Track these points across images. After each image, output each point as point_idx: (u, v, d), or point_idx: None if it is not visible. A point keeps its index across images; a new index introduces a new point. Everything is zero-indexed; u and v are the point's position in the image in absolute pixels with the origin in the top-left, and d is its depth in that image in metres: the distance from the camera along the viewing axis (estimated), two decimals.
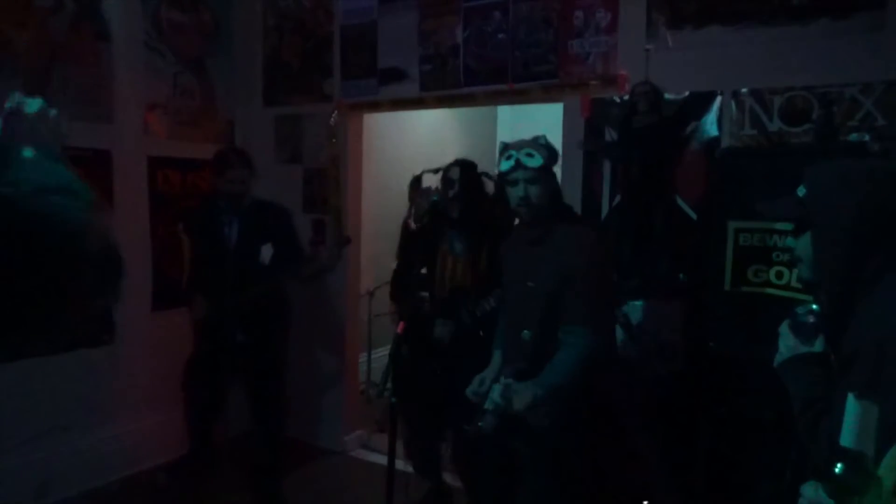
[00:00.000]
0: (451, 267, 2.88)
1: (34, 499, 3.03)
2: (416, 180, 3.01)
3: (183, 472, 3.30)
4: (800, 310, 1.39)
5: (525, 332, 2.11)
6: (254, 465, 3.26)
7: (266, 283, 3.07)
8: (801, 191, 1.34)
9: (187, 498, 3.24)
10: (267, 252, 3.09)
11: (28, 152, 0.87)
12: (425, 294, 2.85)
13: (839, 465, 1.07)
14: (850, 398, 1.07)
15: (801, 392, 1.31)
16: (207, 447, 3.30)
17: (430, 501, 3.14)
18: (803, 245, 1.34)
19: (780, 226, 2.18)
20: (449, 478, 3.23)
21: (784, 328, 1.41)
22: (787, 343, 1.39)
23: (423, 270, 2.92)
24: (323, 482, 3.49)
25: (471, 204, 2.82)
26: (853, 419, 1.06)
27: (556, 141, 3.06)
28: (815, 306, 1.38)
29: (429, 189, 2.90)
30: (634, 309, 2.85)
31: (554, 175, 2.22)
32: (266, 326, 3.16)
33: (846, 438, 1.07)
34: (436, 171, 2.95)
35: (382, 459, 3.51)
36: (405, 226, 3.06)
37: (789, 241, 1.41)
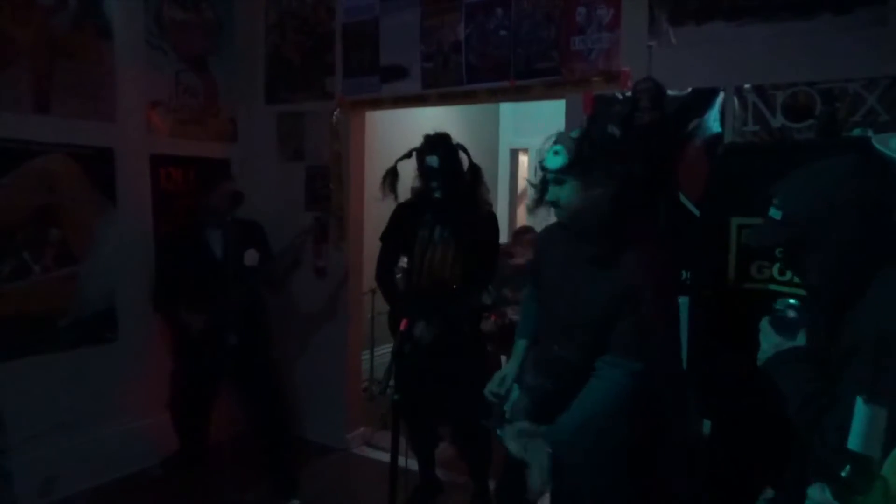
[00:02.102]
0: (430, 255, 2.79)
1: (38, 496, 3.05)
2: (393, 173, 2.92)
3: (174, 468, 3.34)
4: (779, 304, 1.38)
5: (558, 350, 1.92)
6: (265, 464, 3.25)
7: (251, 282, 3.18)
8: (774, 213, 1.34)
9: (186, 494, 3.24)
10: (251, 256, 3.18)
11: None
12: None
13: (846, 468, 1.07)
14: (859, 402, 1.07)
15: (796, 389, 1.30)
16: (201, 449, 3.34)
17: (420, 494, 3.16)
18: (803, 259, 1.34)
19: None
20: (441, 473, 3.26)
21: (765, 324, 1.40)
22: (770, 340, 1.37)
23: (404, 261, 2.86)
24: (326, 480, 3.49)
25: (453, 189, 2.73)
26: (861, 423, 1.06)
27: None
28: (792, 300, 1.38)
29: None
30: None
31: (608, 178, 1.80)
32: (252, 326, 3.21)
33: (854, 442, 1.07)
34: (409, 154, 2.83)
35: (385, 457, 3.53)
36: (395, 211, 3.01)
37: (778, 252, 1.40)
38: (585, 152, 1.78)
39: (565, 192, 1.81)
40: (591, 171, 1.78)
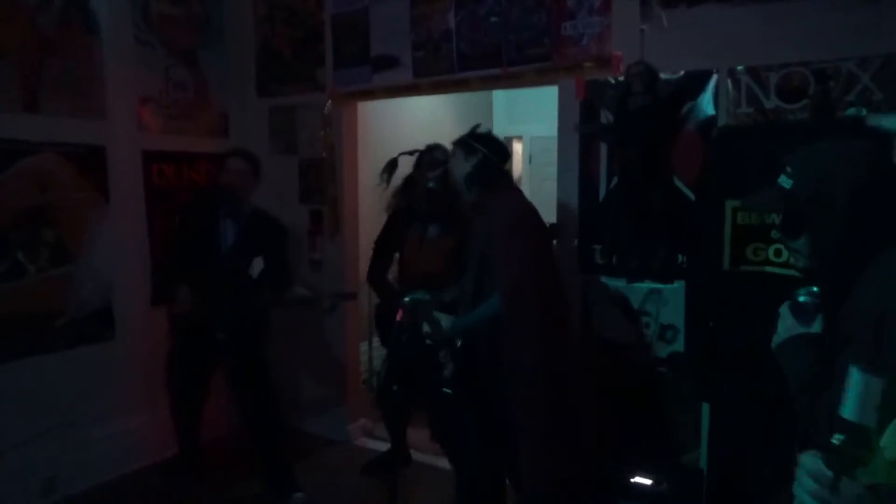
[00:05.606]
0: (416, 251, 2.96)
1: (41, 495, 3.05)
2: (393, 164, 3.15)
3: (173, 474, 3.31)
4: (801, 291, 1.38)
5: (467, 285, 2.51)
6: (259, 462, 3.24)
7: (254, 300, 3.10)
8: (785, 181, 1.31)
9: (186, 495, 3.24)
10: (257, 265, 3.10)
11: None
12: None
13: (838, 437, 1.07)
14: (853, 370, 1.06)
15: (798, 373, 1.31)
16: (195, 446, 3.31)
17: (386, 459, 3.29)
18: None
19: None
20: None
21: (784, 309, 1.40)
22: (786, 324, 1.38)
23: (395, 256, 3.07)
24: (327, 472, 3.50)
25: (449, 192, 2.84)
26: (855, 392, 1.06)
27: (552, 123, 3.06)
28: (815, 288, 1.38)
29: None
30: (634, 291, 2.85)
31: (477, 152, 2.50)
32: (246, 326, 3.09)
33: (847, 410, 1.06)
34: (412, 153, 3.04)
35: (387, 447, 3.54)
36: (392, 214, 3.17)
37: (774, 233, 1.40)
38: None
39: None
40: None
